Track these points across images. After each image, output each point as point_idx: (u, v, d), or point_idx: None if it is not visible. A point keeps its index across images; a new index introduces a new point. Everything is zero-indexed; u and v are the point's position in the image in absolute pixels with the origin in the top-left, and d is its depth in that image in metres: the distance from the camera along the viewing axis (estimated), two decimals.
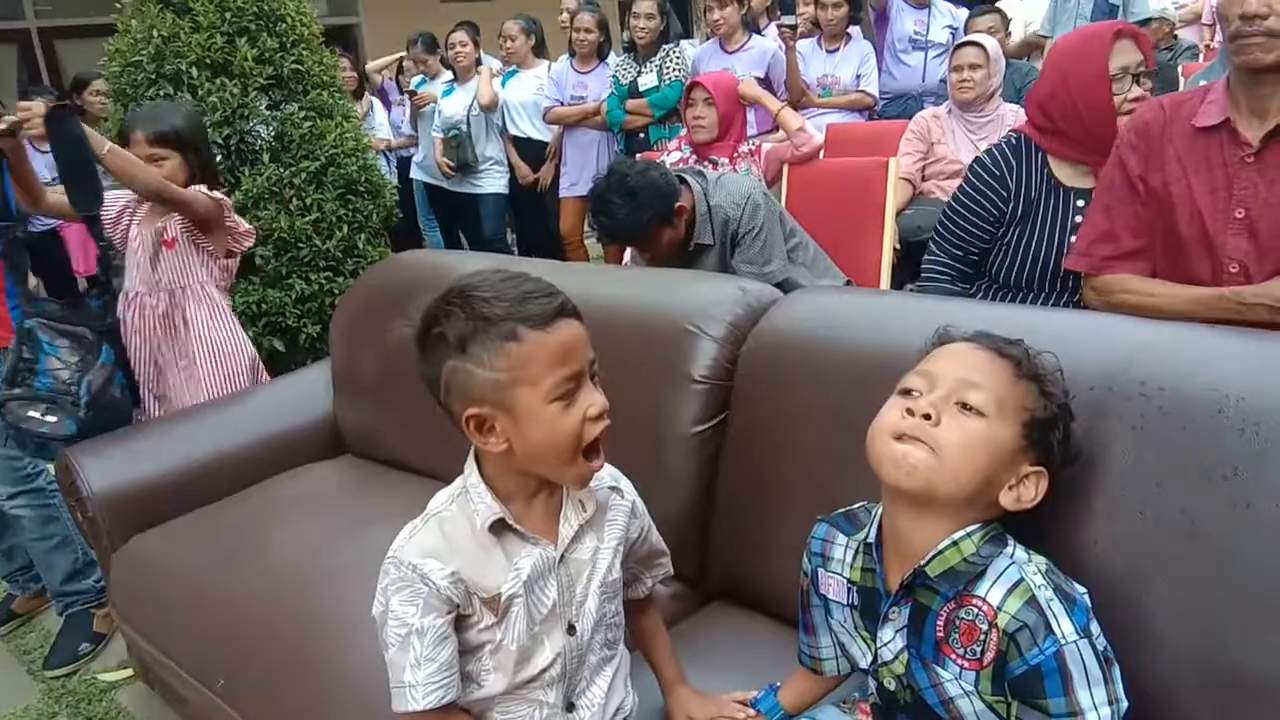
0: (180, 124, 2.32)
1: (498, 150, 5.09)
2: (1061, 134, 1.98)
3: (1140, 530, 1.08)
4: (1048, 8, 4.76)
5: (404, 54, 5.79)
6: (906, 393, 1.04)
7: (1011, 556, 1.00)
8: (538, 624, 1.08)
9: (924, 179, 3.56)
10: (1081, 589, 0.99)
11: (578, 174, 4.71)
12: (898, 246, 3.20)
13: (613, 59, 4.70)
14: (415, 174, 5.48)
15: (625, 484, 1.20)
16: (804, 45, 4.60)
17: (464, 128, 4.97)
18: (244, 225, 2.43)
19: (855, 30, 4.65)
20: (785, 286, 2.22)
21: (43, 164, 2.80)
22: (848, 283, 2.91)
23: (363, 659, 1.28)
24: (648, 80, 4.35)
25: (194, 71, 2.95)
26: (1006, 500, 1.01)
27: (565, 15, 5.37)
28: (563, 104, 4.72)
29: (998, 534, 1.02)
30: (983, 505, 1.02)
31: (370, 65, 6.17)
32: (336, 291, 3.08)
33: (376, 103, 5.68)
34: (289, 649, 1.55)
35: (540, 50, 5.18)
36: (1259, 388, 1.07)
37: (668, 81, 4.31)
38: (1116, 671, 0.96)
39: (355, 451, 2.30)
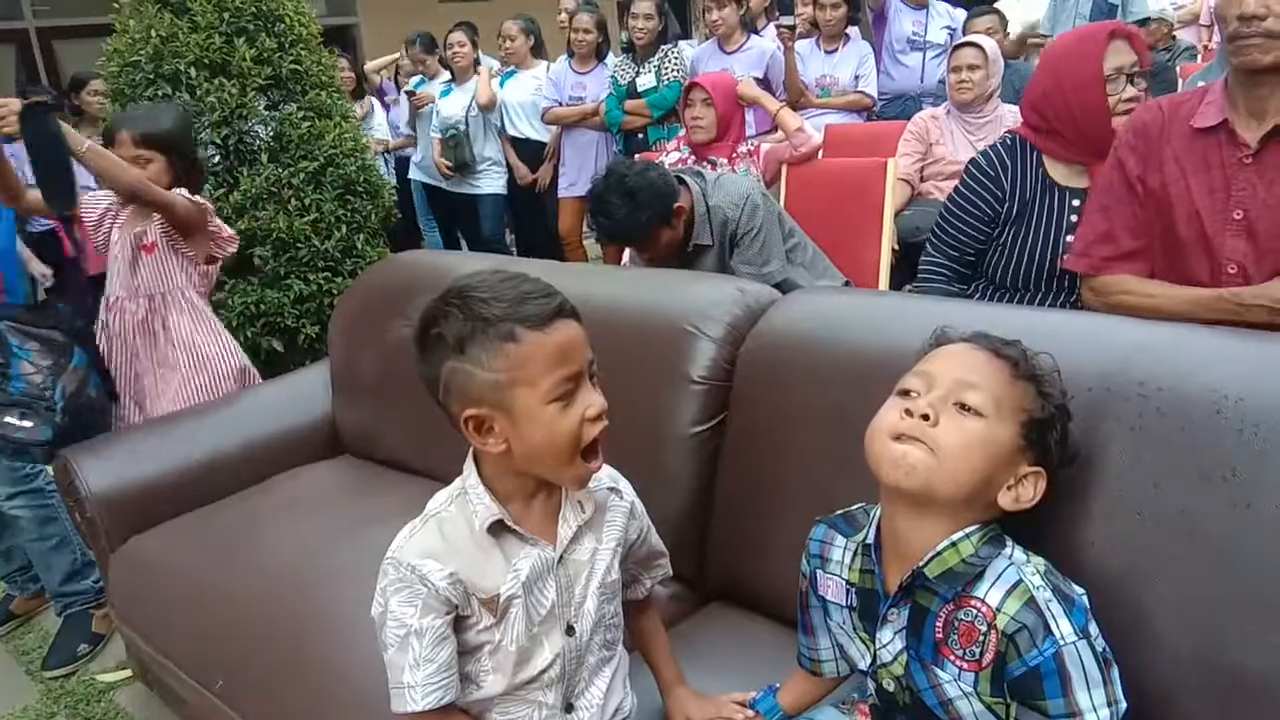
0: (168, 126, 2.30)
1: (496, 151, 5.08)
2: (1056, 134, 1.99)
3: (1139, 531, 1.08)
4: (1048, 7, 4.77)
5: (400, 54, 5.78)
6: (905, 393, 1.05)
7: (1010, 557, 1.00)
8: (536, 625, 1.08)
9: (922, 179, 3.56)
10: (1080, 590, 0.99)
11: (576, 174, 4.71)
12: (896, 247, 3.20)
13: (611, 59, 4.70)
14: (414, 174, 5.47)
15: (624, 485, 1.20)
16: (802, 46, 4.59)
17: (462, 128, 4.96)
18: (227, 230, 2.41)
19: (854, 31, 4.65)
20: (784, 287, 2.22)
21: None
22: (846, 283, 2.91)
23: (361, 659, 1.28)
24: (646, 81, 4.35)
25: (192, 72, 2.94)
26: (1005, 501, 1.02)
27: (564, 15, 5.37)
28: (561, 104, 4.72)
29: (996, 535, 1.02)
30: (981, 506, 1.02)
31: (369, 65, 6.17)
32: (335, 292, 3.07)
33: (376, 103, 5.68)
34: (288, 649, 1.54)
35: (539, 50, 5.17)
36: (1257, 388, 1.07)
37: (666, 82, 4.31)
38: (1115, 673, 0.96)
39: (354, 452, 2.30)
